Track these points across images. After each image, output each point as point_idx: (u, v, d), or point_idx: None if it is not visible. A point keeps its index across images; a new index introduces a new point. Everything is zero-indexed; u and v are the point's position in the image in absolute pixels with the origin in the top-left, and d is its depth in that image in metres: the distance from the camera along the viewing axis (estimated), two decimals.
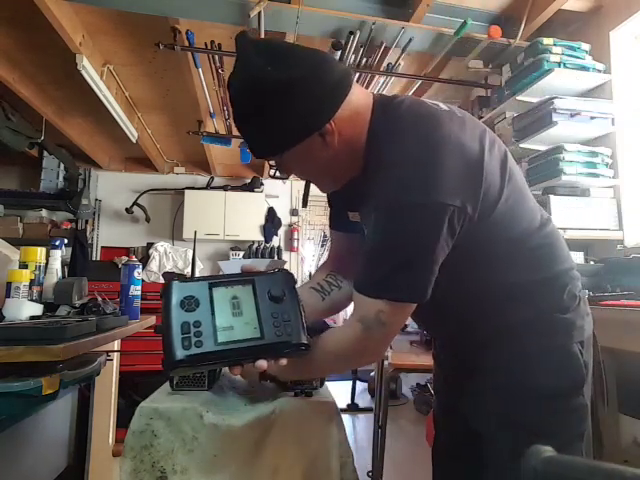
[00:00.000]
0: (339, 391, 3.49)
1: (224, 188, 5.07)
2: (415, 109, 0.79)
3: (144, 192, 5.02)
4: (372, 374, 4.02)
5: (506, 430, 0.81)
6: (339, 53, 2.39)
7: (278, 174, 0.87)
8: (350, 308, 0.84)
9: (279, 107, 0.75)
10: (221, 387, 1.23)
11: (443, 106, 0.81)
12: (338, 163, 0.83)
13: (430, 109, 0.79)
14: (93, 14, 2.37)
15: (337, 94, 0.78)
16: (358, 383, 4.14)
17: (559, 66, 2.23)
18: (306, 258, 5.46)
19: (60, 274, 1.49)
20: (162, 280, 4.08)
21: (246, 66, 0.76)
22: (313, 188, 0.91)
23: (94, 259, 4.74)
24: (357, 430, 3.52)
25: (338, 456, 1.07)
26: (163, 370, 0.73)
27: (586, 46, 2.31)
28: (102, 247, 4.94)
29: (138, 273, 1.56)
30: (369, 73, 2.77)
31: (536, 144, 2.35)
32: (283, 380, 1.13)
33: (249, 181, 5.16)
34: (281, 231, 5.27)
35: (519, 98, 2.38)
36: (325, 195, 0.99)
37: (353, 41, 2.36)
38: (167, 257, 4.35)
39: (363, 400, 4.10)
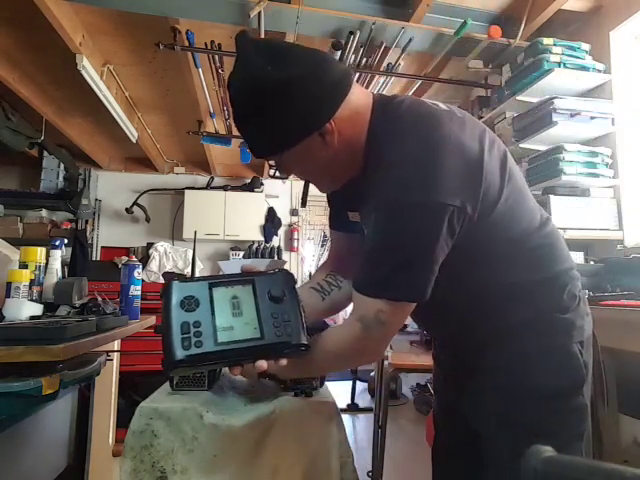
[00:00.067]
0: (339, 391, 3.49)
1: (224, 188, 5.07)
2: (415, 109, 0.79)
3: (144, 192, 5.02)
4: (372, 374, 4.02)
5: (506, 430, 0.81)
6: (339, 53, 2.39)
7: (278, 174, 0.87)
8: (350, 308, 0.84)
9: (279, 107, 0.75)
10: (221, 387, 1.23)
11: (443, 106, 0.81)
12: (338, 163, 0.83)
13: (430, 109, 0.79)
14: (93, 14, 2.37)
15: (337, 94, 0.78)
16: (358, 383, 4.14)
17: (559, 66, 2.23)
18: (306, 258, 5.46)
19: (60, 274, 1.49)
20: (162, 280, 4.08)
21: (246, 66, 0.76)
22: (312, 188, 0.91)
23: (94, 259, 4.74)
24: (357, 430, 3.52)
25: (338, 456, 1.08)
26: (163, 370, 0.73)
27: (586, 46, 2.31)
28: (102, 247, 4.94)
29: (138, 273, 1.56)
30: (369, 73, 2.77)
31: (536, 144, 2.35)
32: (283, 379, 1.13)
33: (249, 181, 5.16)
34: (281, 231, 5.27)
35: (519, 98, 2.38)
36: (325, 195, 0.99)
37: (353, 41, 2.36)
38: (167, 257, 4.35)
39: (363, 400, 4.10)
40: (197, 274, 3.03)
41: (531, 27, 2.43)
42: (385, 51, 2.54)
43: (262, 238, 5.04)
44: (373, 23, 2.30)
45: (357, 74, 2.73)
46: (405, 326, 2.77)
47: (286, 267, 4.29)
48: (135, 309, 1.54)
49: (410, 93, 3.05)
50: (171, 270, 4.26)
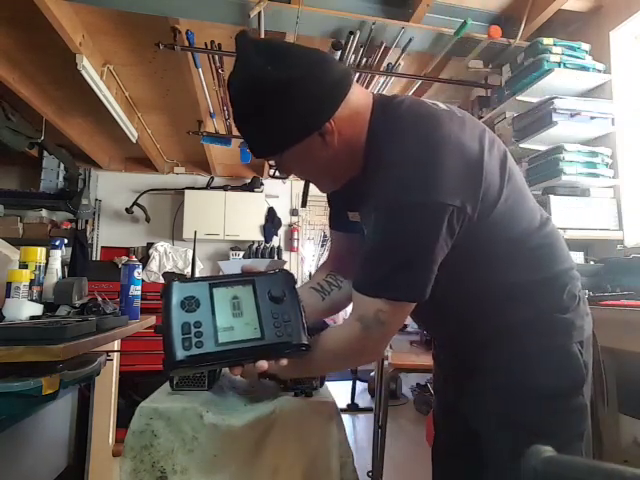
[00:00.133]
0: (339, 391, 3.49)
1: (224, 188, 5.07)
2: (415, 109, 0.79)
3: (144, 192, 5.02)
4: (372, 374, 4.02)
5: (506, 430, 0.81)
6: (339, 53, 2.39)
7: (278, 174, 0.87)
8: (350, 308, 0.84)
9: (279, 106, 0.75)
10: (221, 387, 1.23)
11: (443, 106, 0.81)
12: (338, 163, 0.83)
13: (430, 109, 0.79)
14: (93, 14, 2.37)
15: (337, 94, 0.78)
16: (358, 383, 4.14)
17: (559, 66, 2.23)
18: (306, 258, 5.46)
19: (60, 274, 1.49)
20: (162, 280, 4.08)
21: (246, 65, 0.76)
22: (312, 188, 0.91)
23: (94, 259, 4.74)
24: (357, 430, 3.52)
25: (338, 456, 1.08)
26: (163, 370, 0.73)
27: (586, 46, 2.31)
28: (102, 247, 4.95)
29: (138, 273, 1.56)
30: (369, 73, 2.77)
31: (536, 144, 2.35)
32: (283, 379, 1.13)
33: (249, 181, 5.17)
34: (281, 231, 5.27)
35: (519, 98, 2.38)
36: (325, 195, 0.99)
37: (353, 41, 2.36)
38: (167, 257, 4.35)
39: (363, 400, 4.10)
40: (197, 274, 3.03)
41: (531, 27, 2.43)
42: (385, 51, 2.54)
43: (262, 238, 5.04)
44: (373, 23, 2.30)
45: (357, 74, 2.74)
46: (405, 326, 2.77)
47: (286, 267, 4.29)
48: (135, 309, 1.54)
49: (410, 93, 3.05)
50: (171, 270, 4.26)
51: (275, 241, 5.19)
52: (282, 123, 0.77)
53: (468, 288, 0.84)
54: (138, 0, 2.13)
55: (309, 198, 0.93)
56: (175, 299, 0.75)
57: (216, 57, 2.62)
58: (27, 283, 1.32)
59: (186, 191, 4.91)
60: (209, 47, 2.54)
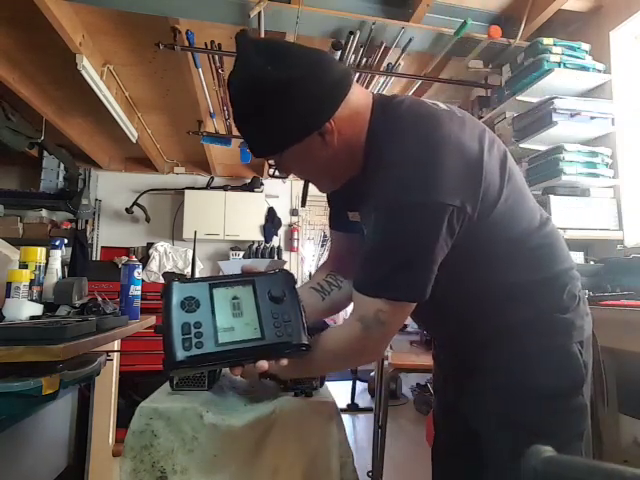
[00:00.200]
0: (339, 391, 3.49)
1: (224, 188, 5.07)
2: (415, 109, 0.79)
3: (144, 192, 5.02)
4: (372, 374, 4.02)
5: (506, 430, 0.81)
6: (339, 53, 2.39)
7: (277, 173, 0.87)
8: (350, 308, 0.84)
9: (279, 106, 0.75)
10: (221, 387, 1.23)
11: (443, 106, 0.81)
12: (337, 162, 0.83)
13: (430, 109, 0.79)
14: (93, 14, 2.37)
15: (337, 93, 0.78)
16: (358, 383, 4.14)
17: (559, 66, 2.23)
18: (306, 258, 5.46)
19: (60, 274, 1.49)
20: (162, 280, 4.08)
21: (246, 65, 0.76)
22: (312, 188, 0.91)
23: (94, 259, 4.74)
24: (357, 430, 3.52)
25: (338, 456, 1.08)
26: (163, 370, 0.73)
27: (586, 46, 2.31)
28: (102, 247, 4.94)
29: (138, 273, 1.56)
30: (369, 73, 2.77)
31: (536, 144, 2.35)
32: (283, 379, 1.13)
33: (249, 181, 5.17)
34: (281, 231, 5.27)
35: (519, 98, 2.38)
36: (325, 195, 0.99)
37: (353, 41, 2.36)
38: (167, 257, 4.35)
39: (363, 400, 4.10)
40: (197, 274, 3.03)
41: (531, 27, 2.43)
42: (385, 51, 2.54)
43: (262, 238, 5.04)
44: (373, 23, 2.30)
45: (357, 74, 2.73)
46: (405, 326, 2.77)
47: (286, 267, 4.30)
48: (135, 309, 1.54)
49: (410, 93, 3.05)
50: (171, 270, 4.26)
51: (275, 241, 5.19)
52: (282, 123, 0.77)
53: (468, 288, 0.84)
54: (138, 0, 2.13)
55: (309, 198, 0.93)
56: (175, 299, 0.75)
57: (216, 57, 2.62)
58: (27, 283, 1.32)
59: (186, 191, 4.91)
60: (209, 47, 2.54)
